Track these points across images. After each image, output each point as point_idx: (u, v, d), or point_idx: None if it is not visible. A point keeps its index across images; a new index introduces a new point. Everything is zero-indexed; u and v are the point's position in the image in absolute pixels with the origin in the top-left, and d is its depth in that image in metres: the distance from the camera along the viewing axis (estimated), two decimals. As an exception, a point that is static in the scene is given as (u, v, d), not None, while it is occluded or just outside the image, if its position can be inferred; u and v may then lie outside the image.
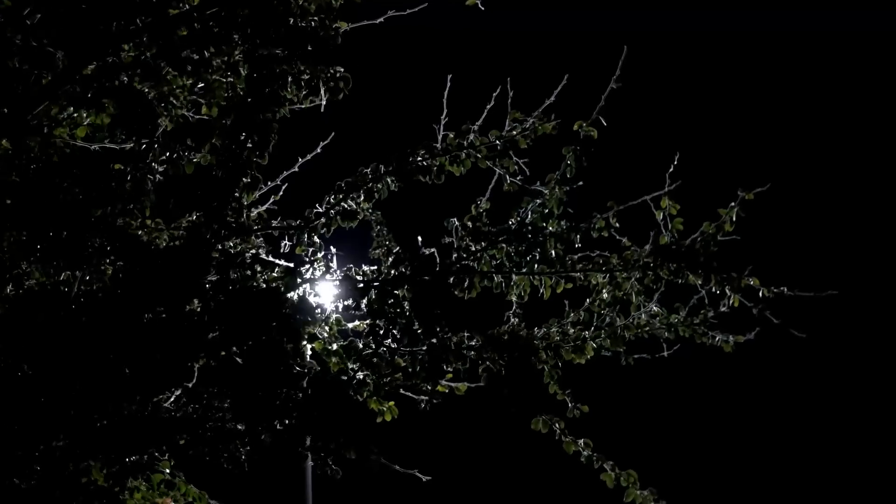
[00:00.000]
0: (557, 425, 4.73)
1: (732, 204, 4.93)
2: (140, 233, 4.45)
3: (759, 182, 4.98)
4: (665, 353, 5.06)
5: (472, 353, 4.66)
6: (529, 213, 4.85)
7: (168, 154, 4.43)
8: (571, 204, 4.90)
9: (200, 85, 4.50)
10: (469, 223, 4.84)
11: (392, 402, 4.80)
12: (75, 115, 4.46)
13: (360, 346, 4.65)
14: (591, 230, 4.88)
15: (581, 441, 4.75)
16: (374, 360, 4.62)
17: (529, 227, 4.86)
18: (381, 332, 4.59)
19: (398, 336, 4.60)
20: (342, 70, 4.56)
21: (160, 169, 4.42)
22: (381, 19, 4.47)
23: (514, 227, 4.86)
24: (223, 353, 4.43)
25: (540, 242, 4.85)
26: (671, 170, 4.88)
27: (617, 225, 4.93)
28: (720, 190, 5.03)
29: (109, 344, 4.29)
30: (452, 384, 4.82)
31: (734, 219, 4.93)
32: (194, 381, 4.40)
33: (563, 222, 4.85)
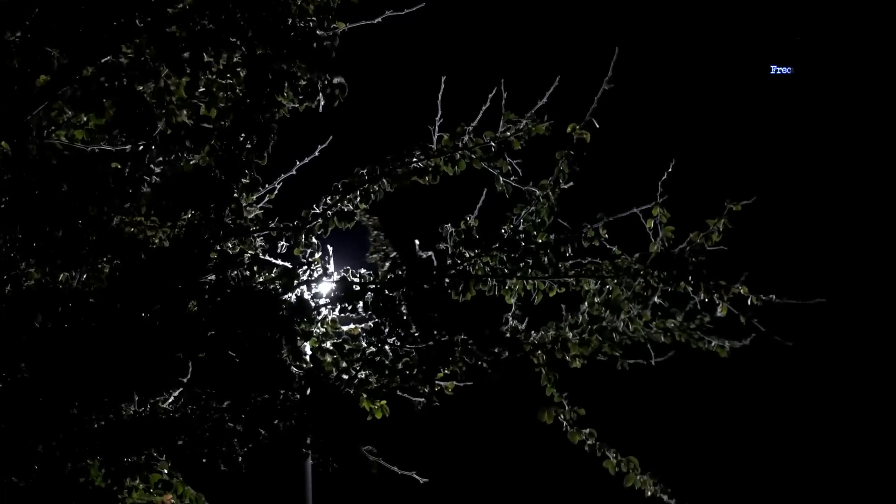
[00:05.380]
0: (563, 416, 4.75)
1: (721, 216, 4.99)
2: (134, 230, 4.45)
3: (751, 189, 5.04)
4: (653, 360, 5.08)
5: (478, 350, 4.67)
6: (522, 221, 4.89)
7: (166, 157, 4.45)
8: (563, 212, 4.95)
9: (202, 89, 4.53)
10: (462, 234, 4.87)
11: (384, 402, 4.80)
12: (74, 119, 4.48)
13: (364, 345, 4.65)
14: (581, 239, 4.92)
15: (586, 430, 4.78)
16: (378, 359, 4.63)
17: (522, 235, 4.90)
18: (387, 330, 4.60)
19: (402, 335, 4.61)
20: (340, 78, 4.61)
21: (157, 170, 4.44)
22: (379, 19, 4.53)
23: (506, 235, 4.90)
24: (221, 353, 4.42)
25: (532, 251, 4.88)
26: (664, 177, 4.95)
27: (606, 235, 4.97)
28: (710, 197, 5.09)
29: (107, 344, 4.27)
30: (442, 383, 4.84)
31: (721, 229, 4.99)
32: (189, 376, 4.37)
33: (551, 236, 4.90)
